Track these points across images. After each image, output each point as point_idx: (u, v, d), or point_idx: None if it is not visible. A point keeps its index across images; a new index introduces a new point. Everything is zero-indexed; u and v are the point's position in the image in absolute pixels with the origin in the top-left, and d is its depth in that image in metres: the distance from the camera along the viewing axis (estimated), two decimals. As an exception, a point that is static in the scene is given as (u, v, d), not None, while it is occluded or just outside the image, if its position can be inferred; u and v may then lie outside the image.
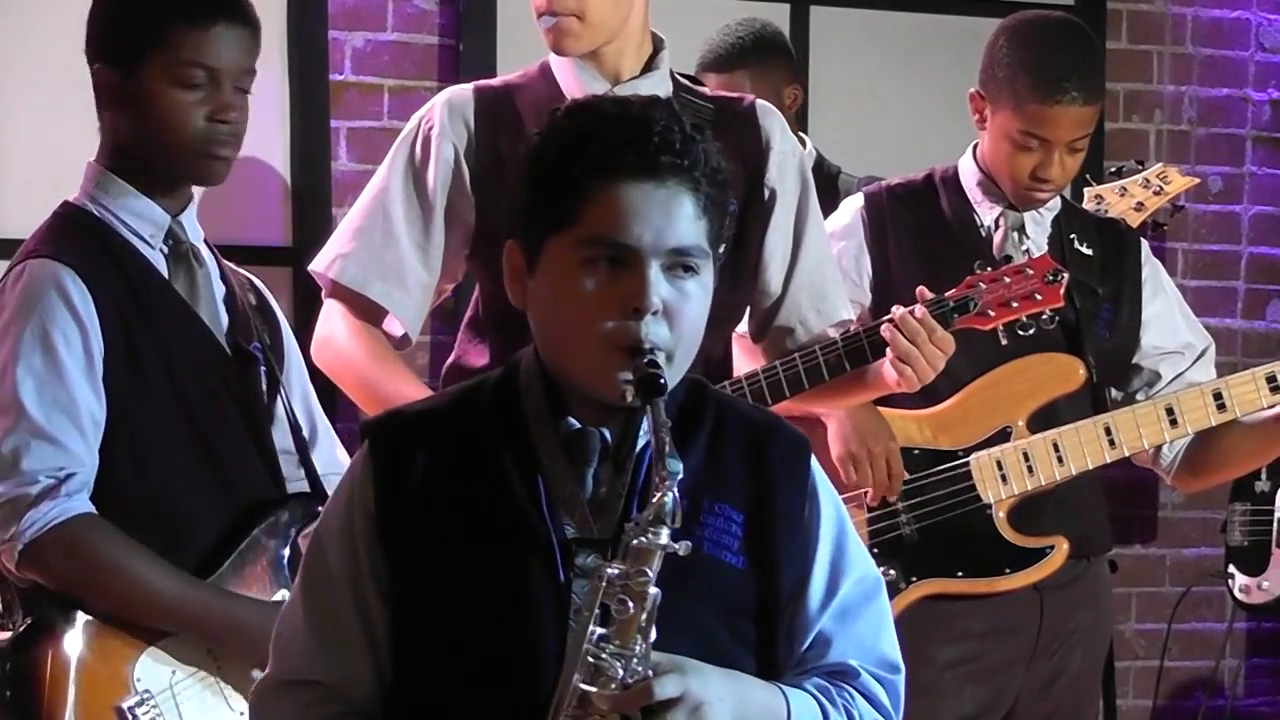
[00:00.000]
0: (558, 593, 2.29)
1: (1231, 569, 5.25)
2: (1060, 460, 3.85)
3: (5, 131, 5.32)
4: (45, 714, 3.06)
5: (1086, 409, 3.91)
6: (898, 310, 3.52)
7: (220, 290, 3.28)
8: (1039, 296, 3.60)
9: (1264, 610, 5.33)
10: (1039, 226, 3.92)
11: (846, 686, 2.40)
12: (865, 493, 3.83)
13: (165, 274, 3.19)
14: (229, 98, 3.20)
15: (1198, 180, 4.95)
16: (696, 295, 2.32)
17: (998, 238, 3.89)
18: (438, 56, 5.65)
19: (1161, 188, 4.87)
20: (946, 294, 3.57)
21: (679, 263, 2.30)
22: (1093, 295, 3.91)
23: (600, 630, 2.21)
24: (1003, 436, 3.85)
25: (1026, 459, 3.84)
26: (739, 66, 4.96)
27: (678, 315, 2.30)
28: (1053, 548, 3.86)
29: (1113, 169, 5.23)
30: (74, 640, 3.10)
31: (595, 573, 2.23)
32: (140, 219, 3.18)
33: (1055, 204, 3.95)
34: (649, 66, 3.53)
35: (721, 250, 3.54)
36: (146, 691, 3.13)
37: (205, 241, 3.35)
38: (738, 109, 3.60)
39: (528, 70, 3.61)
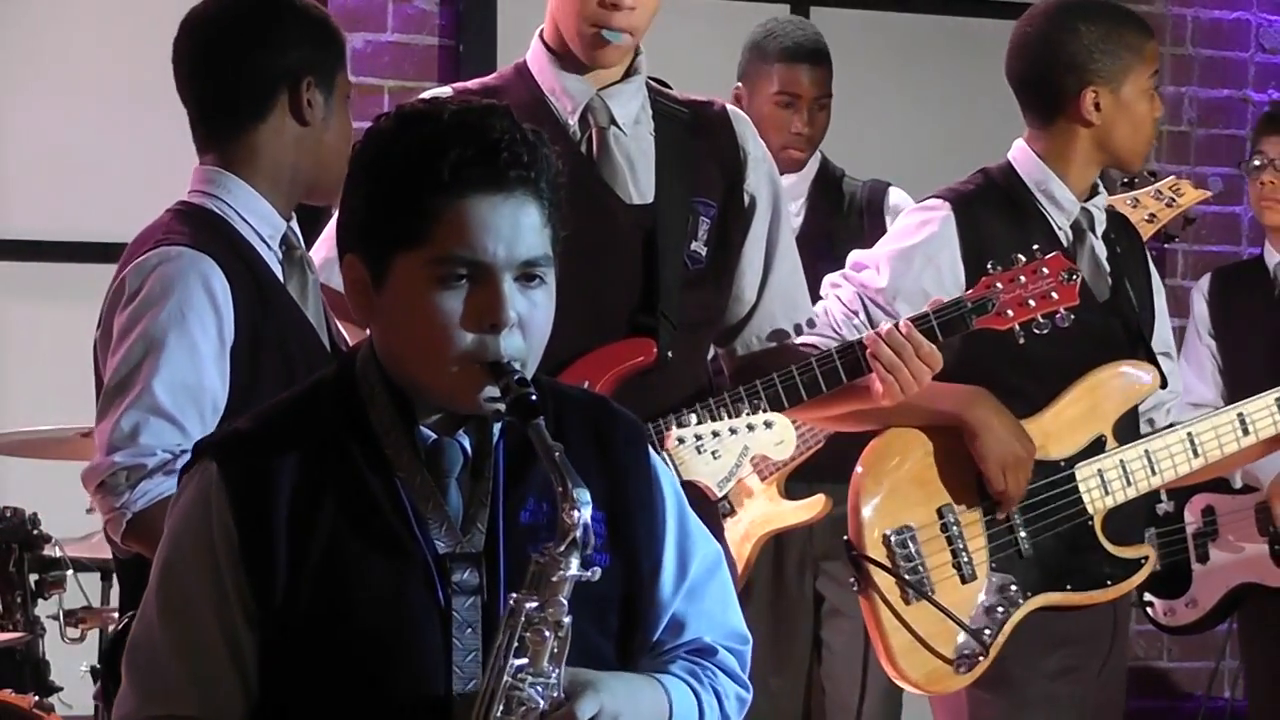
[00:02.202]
0: (440, 613, 2.29)
1: (1147, 595, 5.19)
2: (1153, 471, 3.83)
3: (11, 133, 5.32)
4: None
5: (1137, 417, 3.89)
6: (884, 325, 3.51)
7: (320, 297, 3.30)
8: (1055, 295, 3.57)
9: (1191, 629, 5.29)
10: (1100, 223, 3.90)
11: (708, 664, 2.43)
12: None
13: (280, 275, 3.22)
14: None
15: (1210, 193, 4.91)
16: (544, 304, 2.32)
17: (1085, 228, 3.86)
18: (438, 57, 5.66)
19: (1174, 200, 4.82)
20: (964, 295, 3.55)
21: (528, 273, 2.30)
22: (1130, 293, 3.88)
23: (519, 662, 2.22)
24: (1098, 447, 3.80)
25: (1124, 469, 3.82)
26: (827, 62, 4.71)
27: (530, 325, 2.29)
28: (1146, 558, 3.84)
29: (1124, 179, 5.20)
30: None
31: (515, 609, 2.21)
32: (261, 219, 3.20)
33: (1103, 197, 3.93)
34: (630, 71, 3.51)
35: (704, 254, 3.58)
36: None
37: None
38: (710, 113, 3.58)
39: (503, 72, 3.59)
